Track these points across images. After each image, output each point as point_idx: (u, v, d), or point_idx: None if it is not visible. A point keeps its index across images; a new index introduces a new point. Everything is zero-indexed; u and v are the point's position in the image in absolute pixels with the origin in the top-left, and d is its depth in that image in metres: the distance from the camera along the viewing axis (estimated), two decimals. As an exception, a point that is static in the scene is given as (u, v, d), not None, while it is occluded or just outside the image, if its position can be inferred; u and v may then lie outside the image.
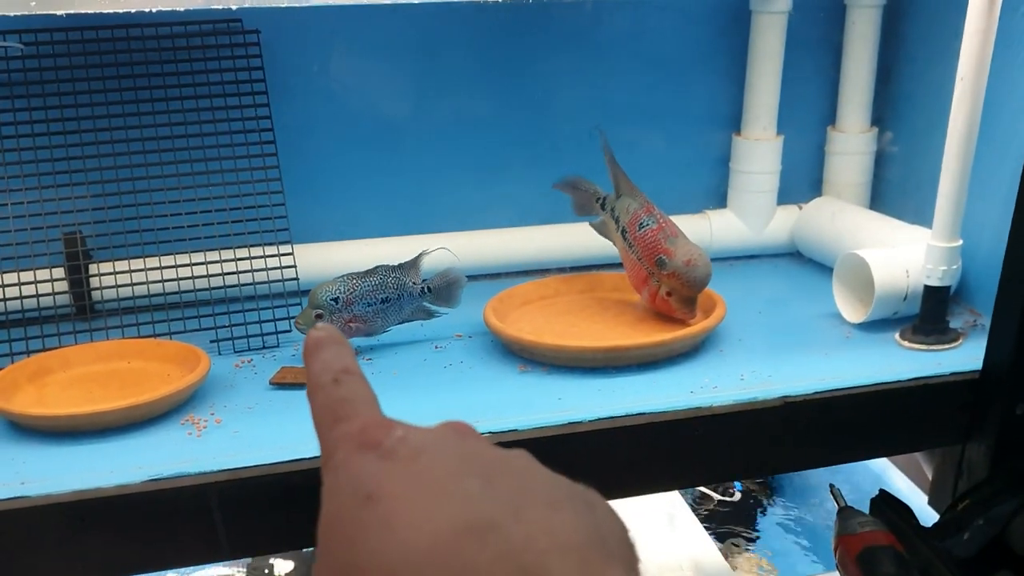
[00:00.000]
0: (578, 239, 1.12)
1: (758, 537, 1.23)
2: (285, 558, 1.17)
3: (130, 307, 0.99)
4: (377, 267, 0.94)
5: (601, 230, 1.03)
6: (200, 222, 0.99)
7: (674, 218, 0.97)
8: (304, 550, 1.17)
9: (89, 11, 0.89)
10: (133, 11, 0.94)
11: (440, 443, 0.32)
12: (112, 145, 0.98)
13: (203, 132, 1.00)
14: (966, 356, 0.89)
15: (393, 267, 0.94)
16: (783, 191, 1.20)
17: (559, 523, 0.29)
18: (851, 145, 1.19)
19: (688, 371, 0.89)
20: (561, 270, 1.14)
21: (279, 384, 0.88)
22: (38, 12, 0.86)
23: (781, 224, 1.20)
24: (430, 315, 0.97)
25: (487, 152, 1.15)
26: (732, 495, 1.31)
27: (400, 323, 0.96)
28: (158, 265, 1.00)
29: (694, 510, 1.26)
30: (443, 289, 0.96)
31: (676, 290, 0.93)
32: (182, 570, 1.13)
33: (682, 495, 1.29)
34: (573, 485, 0.32)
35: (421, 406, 0.82)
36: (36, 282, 0.97)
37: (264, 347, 0.97)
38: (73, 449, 0.78)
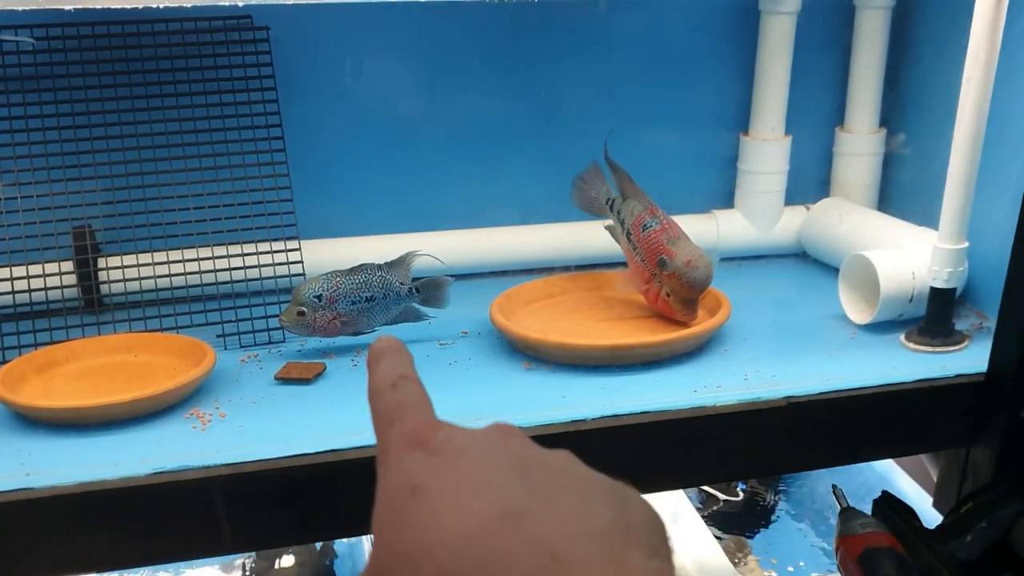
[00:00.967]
0: (584, 237, 1.13)
1: (761, 537, 1.23)
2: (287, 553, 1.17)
3: (138, 301, 0.99)
4: (362, 265, 0.94)
5: (613, 233, 1.03)
6: (208, 217, 1.00)
7: (681, 218, 0.97)
8: (306, 545, 1.17)
9: (99, 6, 0.89)
10: (143, 7, 0.94)
11: (484, 442, 0.34)
12: (121, 140, 0.99)
13: (212, 128, 1.01)
14: (971, 358, 0.89)
15: (378, 266, 0.94)
16: (790, 192, 1.20)
17: (588, 511, 0.31)
18: (859, 146, 1.19)
19: (692, 370, 0.89)
20: (567, 268, 1.14)
21: (284, 379, 0.88)
22: (49, 7, 0.86)
23: (788, 225, 1.20)
24: (419, 317, 0.97)
25: (495, 150, 1.15)
26: (736, 495, 1.31)
27: (388, 323, 0.95)
28: (166, 260, 1.00)
29: (698, 509, 1.26)
30: (431, 290, 0.96)
31: (676, 291, 0.93)
32: (181, 565, 1.14)
33: (686, 494, 1.29)
34: (610, 480, 0.34)
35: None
36: (45, 275, 0.98)
37: (270, 342, 0.97)
38: (79, 441, 0.78)
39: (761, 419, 0.82)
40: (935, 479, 1.00)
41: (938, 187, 0.91)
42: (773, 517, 1.27)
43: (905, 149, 1.18)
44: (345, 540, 1.18)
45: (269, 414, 0.82)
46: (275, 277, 1.00)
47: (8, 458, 0.75)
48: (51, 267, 0.99)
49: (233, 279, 1.00)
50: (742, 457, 0.85)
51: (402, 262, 0.95)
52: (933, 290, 0.92)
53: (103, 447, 0.77)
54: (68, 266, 1.00)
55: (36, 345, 0.93)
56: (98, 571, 0.76)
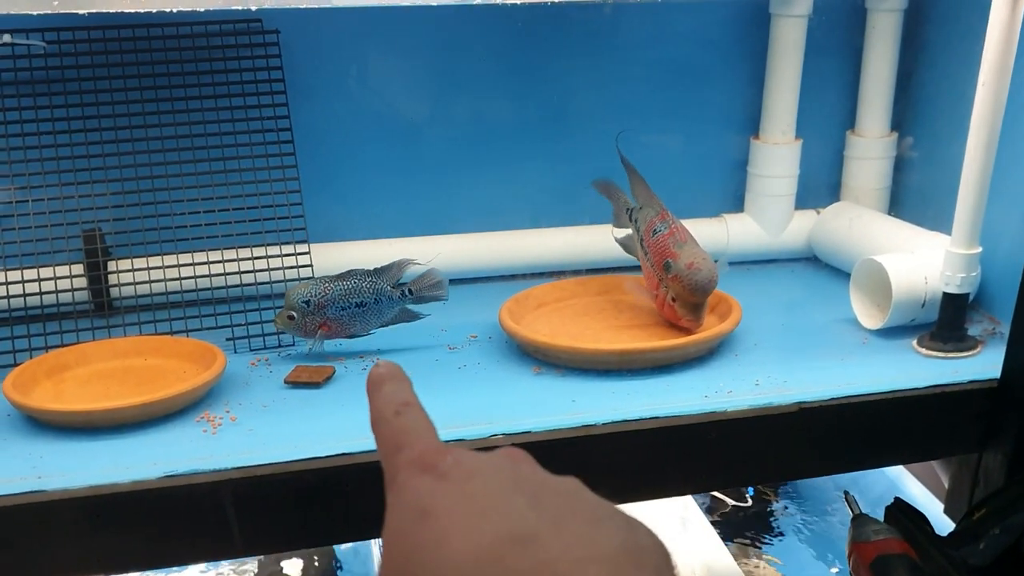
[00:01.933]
0: (594, 241, 1.12)
1: (771, 542, 1.23)
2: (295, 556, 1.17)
3: (148, 304, 0.99)
4: (351, 271, 0.94)
5: (627, 244, 1.03)
6: (218, 220, 1.00)
7: (691, 222, 0.97)
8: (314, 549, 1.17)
9: (111, 10, 0.89)
10: (154, 11, 0.94)
11: (492, 466, 0.35)
12: (132, 143, 0.99)
13: (222, 131, 1.01)
14: (984, 364, 0.89)
15: (368, 271, 0.94)
16: (801, 195, 1.19)
17: (596, 536, 0.31)
18: (870, 150, 1.18)
19: (703, 375, 0.89)
20: (577, 272, 1.14)
21: (294, 383, 0.88)
22: (61, 11, 0.86)
23: (799, 229, 1.20)
24: (415, 317, 0.97)
25: (504, 153, 1.15)
26: (744, 499, 1.31)
27: (383, 326, 0.95)
28: (176, 263, 1.00)
29: (707, 514, 1.25)
30: (424, 287, 0.96)
31: (680, 295, 0.92)
32: (187, 568, 1.14)
33: (695, 499, 1.28)
34: (617, 509, 0.34)
35: (434, 407, 0.81)
36: (56, 278, 0.98)
37: (280, 346, 0.97)
38: (89, 445, 0.78)
39: (772, 425, 0.82)
40: (946, 485, 0.99)
41: (950, 191, 0.90)
42: (782, 522, 1.27)
43: (916, 153, 1.17)
44: (349, 544, 1.18)
45: (279, 418, 0.82)
46: (285, 280, 1.00)
47: (19, 461, 0.75)
48: (62, 270, 0.99)
49: (243, 282, 1.00)
50: (753, 463, 0.84)
51: (392, 268, 0.95)
52: (946, 295, 0.91)
53: (114, 450, 0.77)
54: (79, 269, 1.00)
55: (47, 348, 0.93)
56: (108, 574, 0.75)
